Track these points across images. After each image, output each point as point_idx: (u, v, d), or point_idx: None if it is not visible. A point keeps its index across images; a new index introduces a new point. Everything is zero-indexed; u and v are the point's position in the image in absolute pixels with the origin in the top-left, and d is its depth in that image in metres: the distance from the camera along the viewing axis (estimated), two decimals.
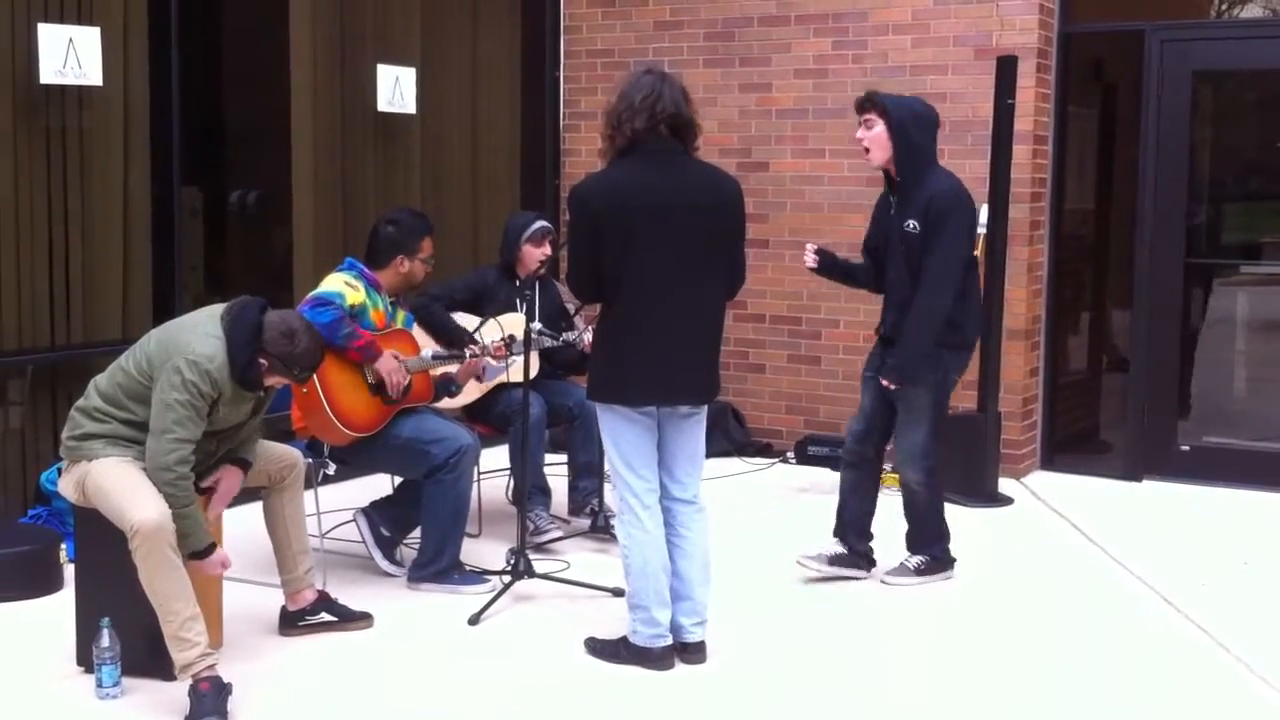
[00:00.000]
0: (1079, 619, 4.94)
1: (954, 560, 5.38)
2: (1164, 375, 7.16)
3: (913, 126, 5.04)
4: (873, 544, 5.35)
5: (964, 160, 7.16)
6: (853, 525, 5.33)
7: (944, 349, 5.08)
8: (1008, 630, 4.82)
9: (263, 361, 4.07)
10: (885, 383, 5.09)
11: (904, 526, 5.40)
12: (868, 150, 5.14)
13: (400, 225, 5.16)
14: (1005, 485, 6.83)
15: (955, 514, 6.42)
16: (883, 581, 5.29)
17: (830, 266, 5.41)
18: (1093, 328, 8.11)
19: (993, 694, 4.23)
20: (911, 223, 5.04)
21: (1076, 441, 7.70)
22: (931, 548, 5.35)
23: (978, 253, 5.21)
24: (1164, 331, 7.11)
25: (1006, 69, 6.53)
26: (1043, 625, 4.87)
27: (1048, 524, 6.32)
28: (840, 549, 5.33)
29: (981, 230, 6.96)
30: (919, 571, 5.31)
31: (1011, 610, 5.04)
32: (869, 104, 5.11)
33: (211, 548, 4.08)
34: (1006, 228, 6.71)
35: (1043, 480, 7.19)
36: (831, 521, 5.40)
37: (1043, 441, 7.48)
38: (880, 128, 5.06)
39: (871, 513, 5.35)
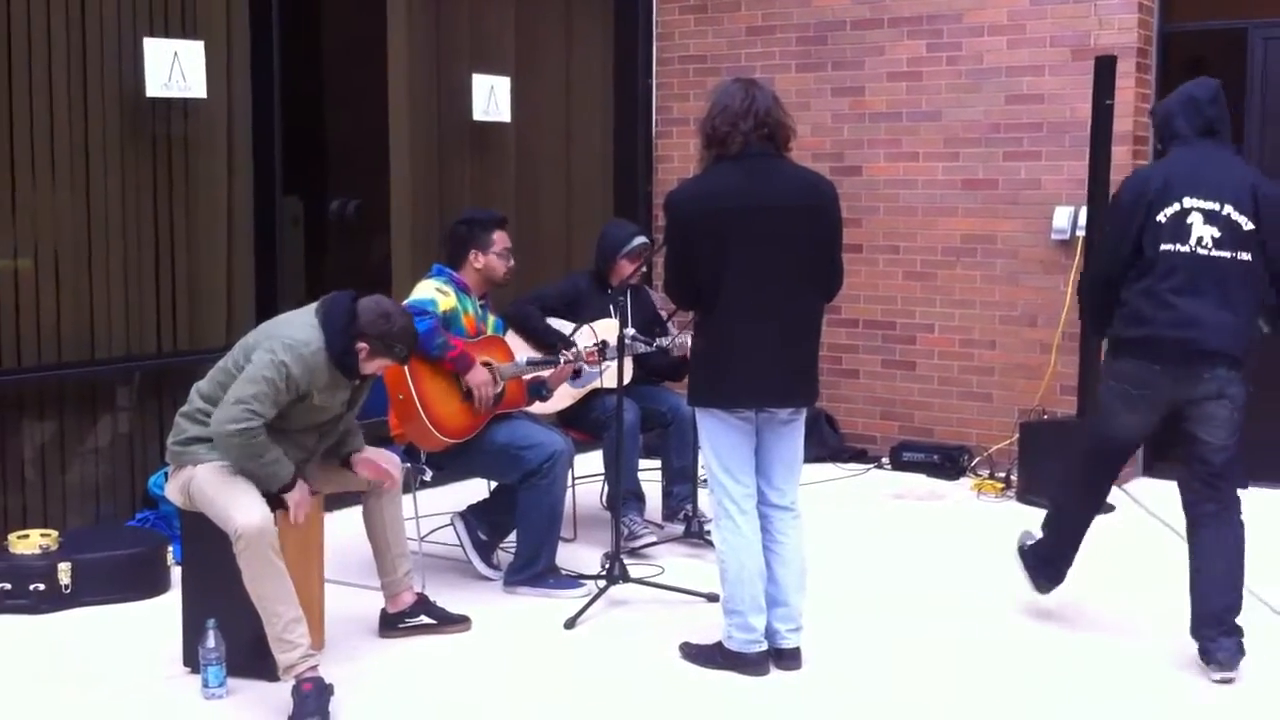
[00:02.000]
0: (1185, 628, 4.84)
1: None
2: (1268, 379, 6.97)
3: (1165, 118, 4.59)
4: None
5: (1062, 161, 7.09)
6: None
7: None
8: (1112, 640, 4.74)
9: (362, 346, 4.13)
10: None
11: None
12: None
13: (470, 222, 5.24)
14: None
15: None
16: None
17: None
18: None
19: (1096, 703, 4.17)
20: None
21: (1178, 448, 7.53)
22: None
23: (1164, 248, 4.36)
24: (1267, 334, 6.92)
25: (1105, 69, 6.44)
26: (1149, 634, 4.79)
27: (1151, 531, 6.19)
28: None
29: (1080, 233, 6.88)
30: None
31: (1116, 619, 4.95)
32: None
33: (294, 482, 4.13)
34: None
35: (1145, 487, 7.06)
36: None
37: (1145, 447, 7.34)
38: None
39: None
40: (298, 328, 4.11)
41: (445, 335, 4.97)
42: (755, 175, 4.19)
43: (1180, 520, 5.73)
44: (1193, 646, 4.43)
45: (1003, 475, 6.98)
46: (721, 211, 4.15)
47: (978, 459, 7.27)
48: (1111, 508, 6.54)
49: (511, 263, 5.27)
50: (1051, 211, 7.11)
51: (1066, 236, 7.05)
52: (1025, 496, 6.70)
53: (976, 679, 4.36)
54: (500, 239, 5.22)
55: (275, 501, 4.11)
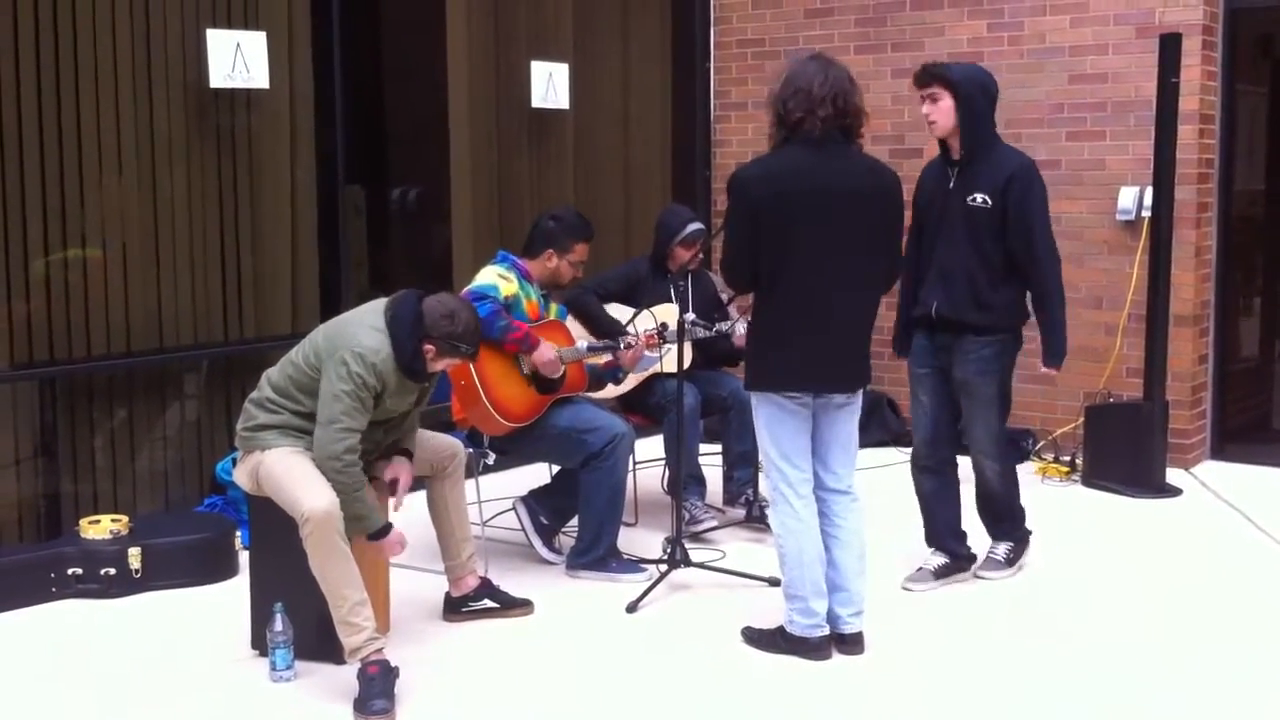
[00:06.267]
0: (1255, 614, 4.79)
1: (1030, 532, 5.28)
2: None
3: (980, 98, 4.85)
4: (969, 542, 5.18)
5: (1127, 141, 7.00)
6: (947, 530, 5.15)
7: (1008, 334, 4.93)
8: (1179, 624, 4.69)
9: (429, 347, 4.17)
10: (1052, 370, 5.03)
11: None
12: (933, 123, 4.89)
13: (561, 222, 5.26)
14: (1173, 476, 6.63)
15: (1122, 506, 6.30)
16: (977, 576, 5.15)
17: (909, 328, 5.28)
18: (1264, 312, 7.83)
19: (1161, 687, 4.13)
20: (979, 196, 4.83)
21: (1248, 430, 7.44)
22: (1015, 532, 5.23)
23: None
24: None
25: (1170, 47, 6.34)
26: (1217, 620, 4.73)
27: (1219, 516, 6.13)
28: (942, 559, 5.13)
29: (1146, 213, 6.79)
30: (1009, 561, 5.19)
31: (1184, 604, 4.90)
32: (932, 78, 4.87)
33: (388, 528, 4.20)
34: (1172, 210, 6.51)
35: (1212, 470, 6.98)
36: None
37: (1212, 431, 7.25)
38: (947, 100, 4.83)
39: (960, 513, 5.16)
40: (366, 333, 4.14)
41: (508, 319, 5.00)
42: (823, 159, 4.16)
43: (1251, 503, 5.67)
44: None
45: (1067, 459, 6.91)
46: (789, 194, 4.13)
47: (1042, 443, 7.21)
48: (1178, 491, 6.48)
49: (579, 274, 5.32)
50: (1116, 192, 7.02)
51: (1132, 217, 6.96)
52: (1090, 480, 6.63)
53: (1040, 665, 4.33)
54: (580, 251, 5.26)
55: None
